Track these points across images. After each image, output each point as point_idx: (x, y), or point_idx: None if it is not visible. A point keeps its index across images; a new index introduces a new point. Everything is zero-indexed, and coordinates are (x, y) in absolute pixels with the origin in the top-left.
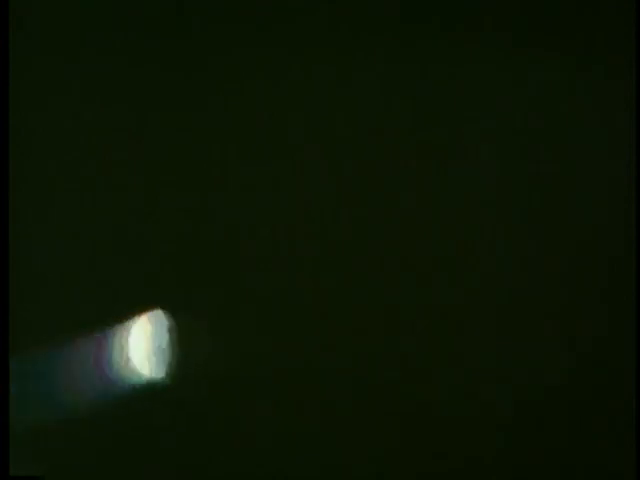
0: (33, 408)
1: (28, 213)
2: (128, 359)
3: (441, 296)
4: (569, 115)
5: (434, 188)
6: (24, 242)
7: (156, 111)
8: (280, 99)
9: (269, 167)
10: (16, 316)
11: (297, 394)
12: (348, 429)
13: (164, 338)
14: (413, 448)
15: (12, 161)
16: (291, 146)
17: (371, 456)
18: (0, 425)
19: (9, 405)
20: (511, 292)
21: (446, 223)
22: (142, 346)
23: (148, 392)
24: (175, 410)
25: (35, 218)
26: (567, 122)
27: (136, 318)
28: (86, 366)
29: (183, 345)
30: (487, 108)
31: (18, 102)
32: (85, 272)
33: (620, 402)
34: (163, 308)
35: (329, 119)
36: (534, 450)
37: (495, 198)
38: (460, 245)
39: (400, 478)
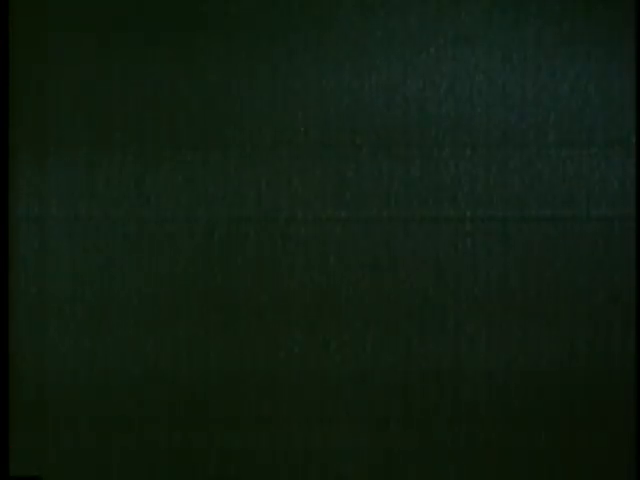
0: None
1: (28, 212)
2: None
3: (441, 295)
4: (572, 108)
5: (434, 186)
6: (24, 242)
7: (156, 111)
8: (278, 99)
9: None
10: (16, 315)
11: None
12: (349, 426)
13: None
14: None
15: (12, 160)
16: (287, 145)
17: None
18: (0, 425)
19: (9, 405)
20: (510, 291)
21: (445, 222)
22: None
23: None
24: (174, 409)
25: (35, 218)
26: (567, 119)
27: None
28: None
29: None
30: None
31: (18, 102)
32: (85, 271)
33: (620, 402)
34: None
35: (327, 118)
36: (533, 449)
37: (494, 193)
38: (459, 243)
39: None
